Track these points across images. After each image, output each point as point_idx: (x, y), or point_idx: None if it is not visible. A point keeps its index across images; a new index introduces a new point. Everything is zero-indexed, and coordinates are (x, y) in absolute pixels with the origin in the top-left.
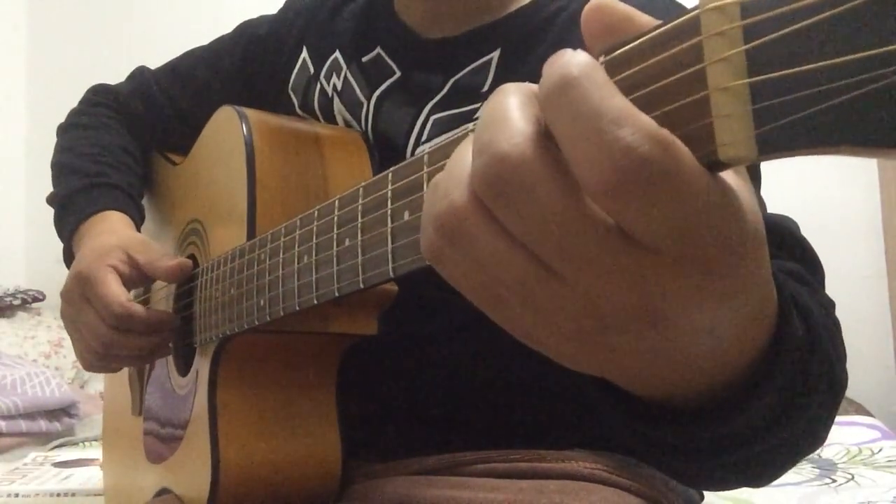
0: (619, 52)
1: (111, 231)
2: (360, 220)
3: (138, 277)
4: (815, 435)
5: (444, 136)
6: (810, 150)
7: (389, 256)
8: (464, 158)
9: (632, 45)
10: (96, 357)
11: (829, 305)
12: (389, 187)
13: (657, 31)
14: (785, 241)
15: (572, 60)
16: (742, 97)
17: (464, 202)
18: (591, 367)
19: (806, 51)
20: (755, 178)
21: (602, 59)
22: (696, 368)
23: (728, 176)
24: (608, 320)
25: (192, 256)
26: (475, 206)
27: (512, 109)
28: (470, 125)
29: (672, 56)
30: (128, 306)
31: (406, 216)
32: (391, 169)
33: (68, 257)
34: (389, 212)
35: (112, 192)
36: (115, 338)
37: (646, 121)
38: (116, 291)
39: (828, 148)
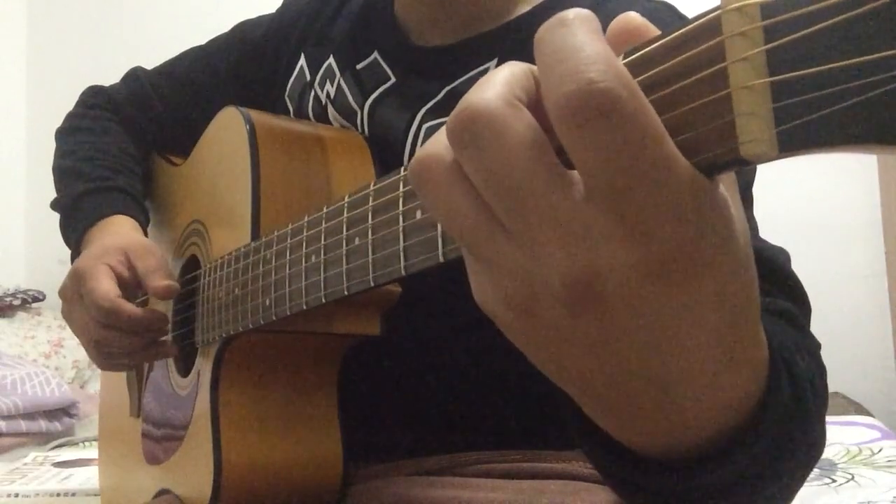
0: (641, 52)
1: (119, 233)
2: (370, 220)
3: (134, 282)
4: (784, 499)
5: None
6: (830, 148)
7: (401, 254)
8: None
9: (654, 45)
10: (92, 353)
11: (816, 348)
12: (401, 189)
13: (679, 32)
14: (777, 276)
15: (572, 9)
16: (763, 96)
17: (433, 150)
18: (533, 352)
19: (825, 51)
20: (746, 199)
21: (623, 59)
22: (652, 402)
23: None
24: (546, 290)
25: (193, 257)
26: (443, 153)
27: (497, 75)
28: None
29: (694, 56)
30: (116, 302)
31: (418, 215)
32: (402, 170)
33: None
34: (401, 212)
35: (118, 196)
36: (103, 334)
37: (620, 65)
38: (106, 287)
39: (847, 146)
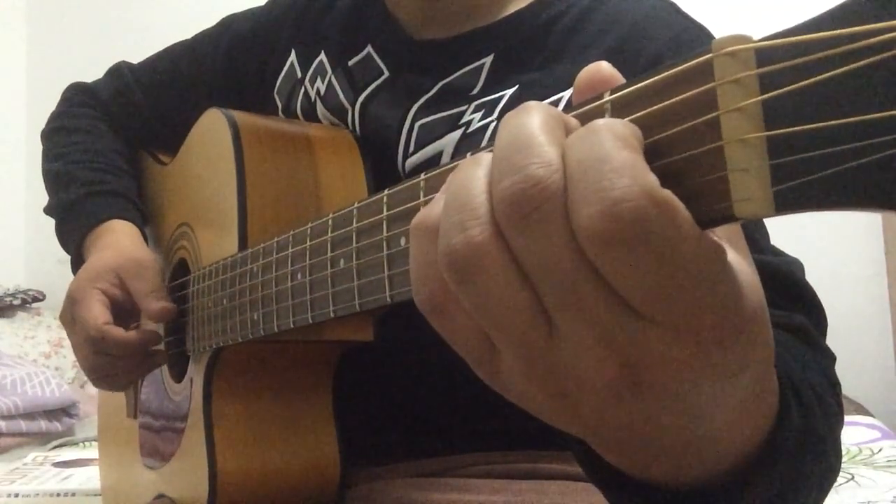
0: (625, 91)
1: (114, 245)
2: (354, 243)
3: (129, 303)
4: None
5: (431, 147)
6: (829, 208)
7: (386, 283)
8: (472, 186)
9: (640, 85)
10: (90, 376)
11: (829, 363)
12: (385, 213)
13: (667, 73)
14: (792, 290)
15: (601, 119)
16: (759, 151)
17: (479, 236)
18: (568, 426)
19: (827, 105)
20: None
21: (607, 96)
22: (674, 449)
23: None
24: (587, 383)
25: (182, 260)
26: (496, 237)
27: (537, 132)
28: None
29: (683, 101)
30: (103, 329)
31: (402, 243)
32: (386, 192)
33: (77, 269)
34: (385, 239)
35: (114, 200)
36: (95, 360)
37: (648, 178)
38: (95, 313)
39: (848, 207)
